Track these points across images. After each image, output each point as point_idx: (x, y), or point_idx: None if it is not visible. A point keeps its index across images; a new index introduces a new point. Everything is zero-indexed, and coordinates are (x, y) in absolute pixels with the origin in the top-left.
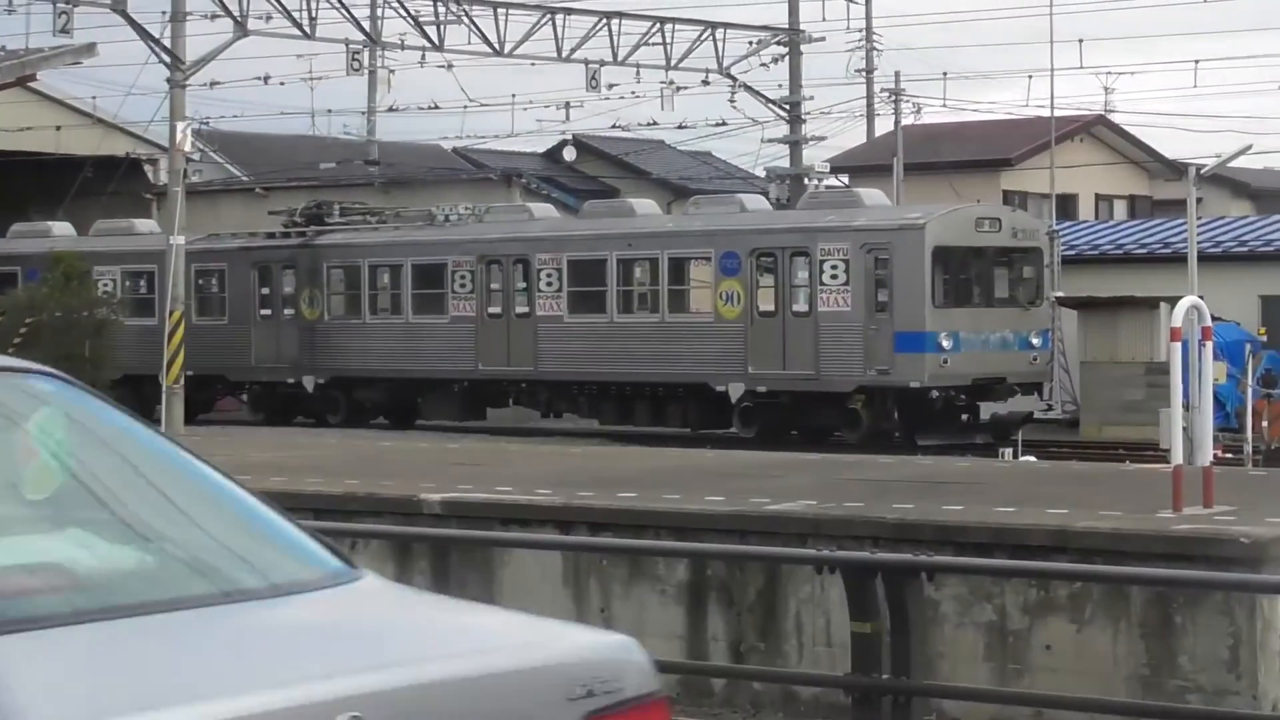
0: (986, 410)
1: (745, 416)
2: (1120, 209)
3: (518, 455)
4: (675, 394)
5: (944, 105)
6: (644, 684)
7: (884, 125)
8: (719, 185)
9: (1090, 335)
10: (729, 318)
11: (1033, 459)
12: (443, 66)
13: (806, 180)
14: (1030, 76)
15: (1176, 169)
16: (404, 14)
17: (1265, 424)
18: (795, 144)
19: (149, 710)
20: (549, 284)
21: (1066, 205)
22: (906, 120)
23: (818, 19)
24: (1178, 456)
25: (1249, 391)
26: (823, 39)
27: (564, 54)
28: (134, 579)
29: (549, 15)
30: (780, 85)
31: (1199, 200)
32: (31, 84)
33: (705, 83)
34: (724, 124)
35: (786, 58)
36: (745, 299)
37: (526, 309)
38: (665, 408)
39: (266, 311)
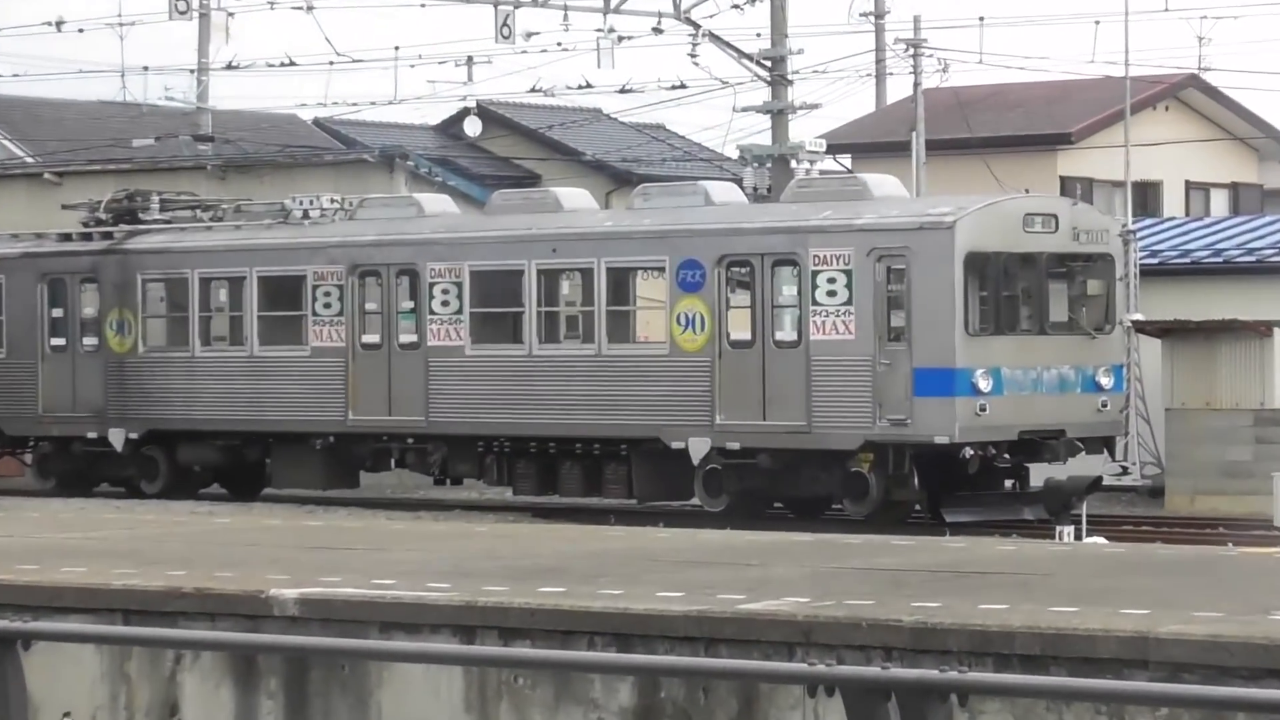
0: (1039, 474)
1: (712, 483)
2: (1219, 201)
3: (403, 536)
4: (617, 453)
5: (980, 62)
6: None
7: (899, 89)
8: (676, 169)
9: (1180, 373)
10: (690, 350)
11: (1101, 540)
12: (300, 8)
13: (795, 163)
14: (1097, 23)
15: None
16: None
17: None
18: (779, 114)
19: None
20: (445, 304)
21: (1147, 196)
22: (930, 82)
23: None
24: None
25: None
26: None
27: None
28: None
29: None
30: (759, 34)
31: None
32: None
33: (657, 31)
34: (682, 87)
35: None
36: (712, 324)
37: (415, 337)
38: (603, 471)
39: (59, 341)
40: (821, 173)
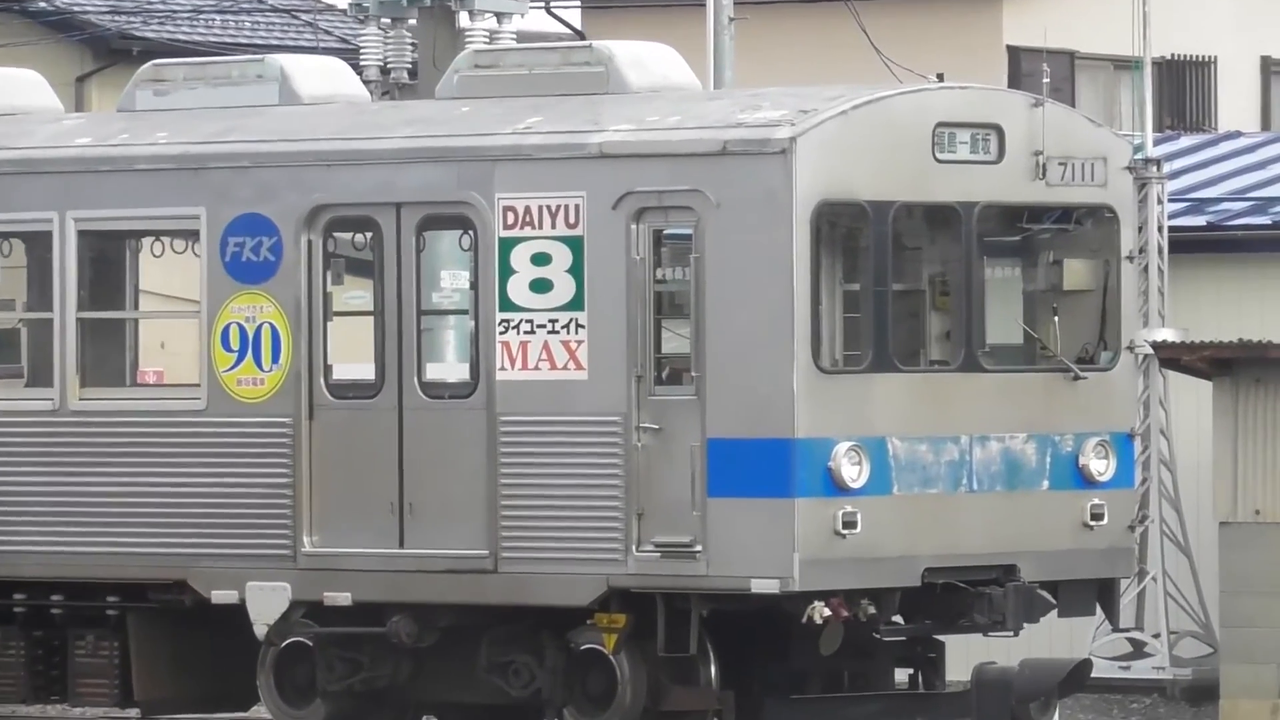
0: (964, 656)
1: (295, 674)
2: None
3: None
4: (100, 614)
5: None
6: None
7: None
8: (223, 33)
9: (1252, 451)
10: (249, 401)
11: None
12: None
13: (467, 19)
14: None
15: None
16: None
17: None
18: None
19: None
20: None
21: (1187, 89)
22: None
23: None
24: None
25: None
26: None
27: None
28: None
29: None
30: None
31: None
32: None
33: None
34: None
35: None
36: (294, 348)
37: None
38: (71, 652)
39: None
40: (521, 39)
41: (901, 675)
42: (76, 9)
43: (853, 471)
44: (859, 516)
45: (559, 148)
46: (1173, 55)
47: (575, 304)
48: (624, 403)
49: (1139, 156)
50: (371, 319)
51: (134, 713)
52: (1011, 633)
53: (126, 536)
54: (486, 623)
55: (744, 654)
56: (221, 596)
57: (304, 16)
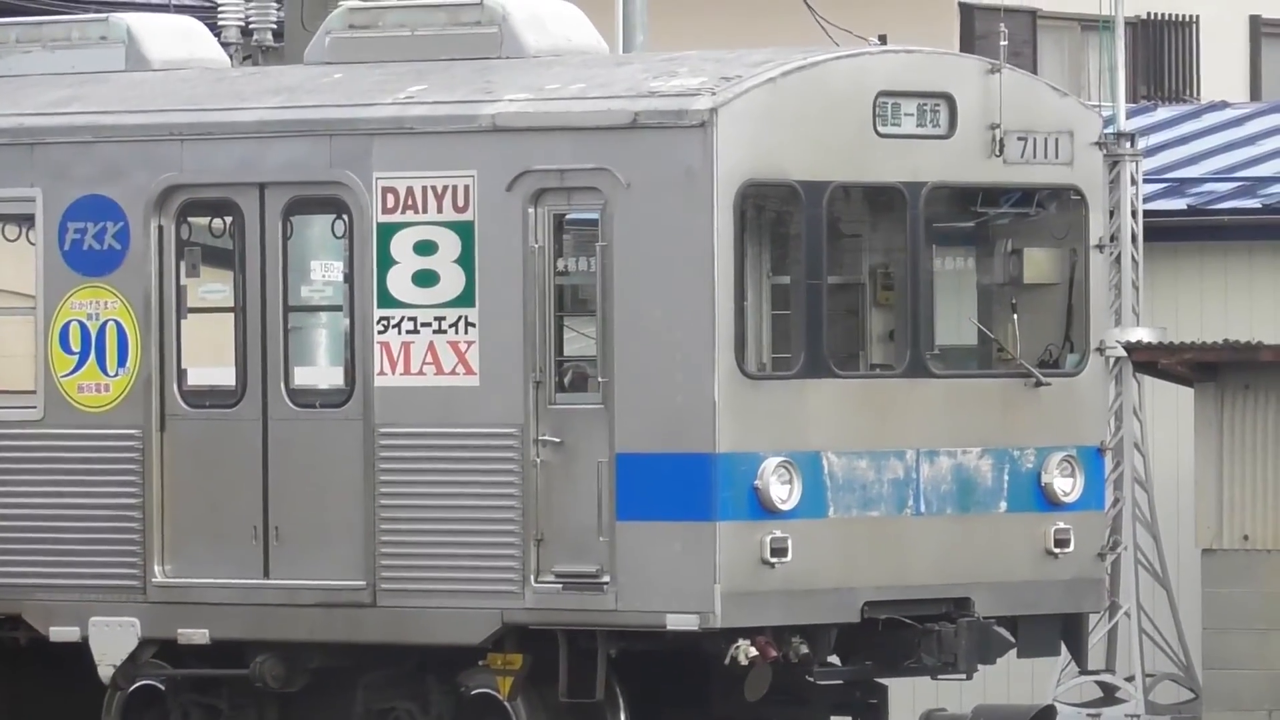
0: (909, 701)
1: (138, 718)
2: None
3: None
4: None
5: None
6: None
7: None
8: None
9: (1239, 468)
10: (91, 409)
11: None
12: None
13: None
14: None
15: None
16: None
17: None
18: None
19: None
20: None
21: (1166, 54)
22: None
23: None
24: None
25: None
26: None
27: None
28: None
29: None
30: None
31: None
32: None
33: None
34: None
35: None
36: (142, 349)
37: None
38: None
39: None
40: None
41: None
42: None
43: (782, 491)
44: (790, 543)
45: (446, 120)
46: (1149, 14)
47: (465, 299)
48: (520, 413)
49: (1110, 130)
50: (232, 316)
51: None
52: (964, 675)
53: None
54: (364, 664)
55: (658, 700)
56: (60, 633)
57: None
